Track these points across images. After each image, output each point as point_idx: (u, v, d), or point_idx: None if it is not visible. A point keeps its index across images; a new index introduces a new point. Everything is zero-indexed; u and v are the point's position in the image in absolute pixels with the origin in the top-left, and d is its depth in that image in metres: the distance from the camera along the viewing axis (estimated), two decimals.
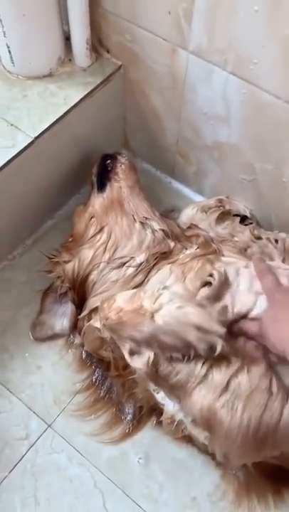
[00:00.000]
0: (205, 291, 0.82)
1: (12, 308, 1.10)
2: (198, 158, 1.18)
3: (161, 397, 0.87)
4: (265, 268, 0.86)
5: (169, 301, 0.79)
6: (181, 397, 0.80)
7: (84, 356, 1.02)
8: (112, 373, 0.94)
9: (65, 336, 1.05)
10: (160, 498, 0.92)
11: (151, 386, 0.87)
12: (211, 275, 0.83)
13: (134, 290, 0.86)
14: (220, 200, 1.15)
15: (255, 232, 1.07)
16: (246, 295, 0.82)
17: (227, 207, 1.12)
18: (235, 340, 0.80)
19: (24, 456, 0.95)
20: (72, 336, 1.05)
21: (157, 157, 1.27)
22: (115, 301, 0.83)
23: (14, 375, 1.02)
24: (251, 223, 1.12)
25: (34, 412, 0.99)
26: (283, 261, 0.96)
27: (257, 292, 0.83)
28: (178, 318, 0.77)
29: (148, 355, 0.79)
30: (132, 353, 0.80)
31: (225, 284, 0.83)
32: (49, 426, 0.97)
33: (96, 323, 0.92)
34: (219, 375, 0.77)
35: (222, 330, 0.77)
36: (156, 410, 0.94)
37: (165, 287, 0.82)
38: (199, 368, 0.77)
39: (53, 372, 1.03)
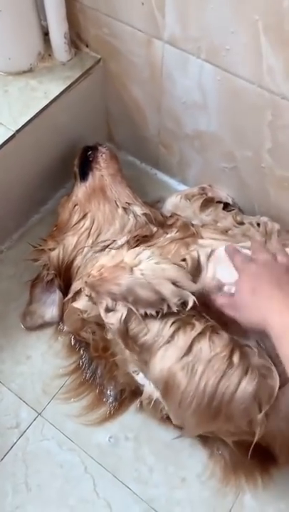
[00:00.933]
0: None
1: (1, 301, 1.11)
2: (180, 149, 1.19)
3: (140, 378, 0.88)
4: (234, 248, 0.88)
5: (148, 258, 0.83)
6: (148, 360, 0.82)
7: (73, 342, 1.04)
8: (92, 354, 0.96)
9: (54, 323, 1.07)
10: (150, 480, 0.94)
11: (131, 368, 0.89)
12: (184, 259, 0.85)
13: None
14: (203, 188, 1.17)
15: (238, 217, 1.10)
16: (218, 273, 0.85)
17: (210, 194, 1.14)
18: (203, 309, 0.82)
19: (15, 445, 0.96)
20: (61, 324, 1.06)
21: (141, 149, 1.29)
22: (98, 261, 0.87)
23: (4, 366, 1.04)
24: (234, 209, 1.14)
25: (24, 401, 1.00)
26: (264, 243, 0.98)
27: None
28: (155, 271, 0.80)
29: (122, 311, 0.81)
30: (107, 310, 0.82)
31: (197, 267, 0.86)
32: (39, 414, 0.99)
33: (77, 303, 0.94)
34: (183, 338, 0.78)
35: (195, 286, 0.80)
36: (138, 393, 0.96)
37: (147, 248, 0.86)
38: (168, 328, 0.79)
39: (42, 361, 1.04)
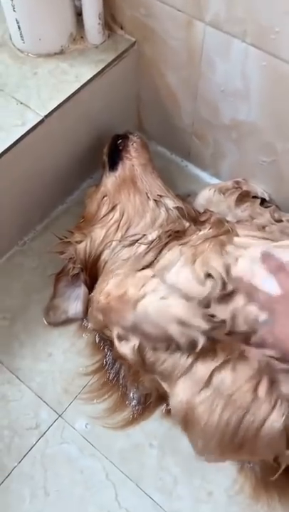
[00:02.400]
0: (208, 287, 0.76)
1: (23, 294, 1.07)
2: (215, 139, 1.13)
3: (167, 386, 0.82)
4: (276, 265, 0.77)
5: (154, 290, 0.75)
6: (169, 388, 0.77)
7: (97, 340, 0.99)
8: (116, 354, 0.90)
9: (78, 320, 1.02)
10: (174, 491, 0.88)
11: (157, 376, 0.83)
12: (209, 275, 0.76)
13: (124, 275, 0.83)
14: (237, 182, 1.11)
15: (276, 214, 1.03)
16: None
17: (244, 188, 1.07)
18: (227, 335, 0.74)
19: (34, 446, 0.92)
20: (85, 320, 1.01)
21: (172, 139, 1.23)
22: (107, 285, 0.81)
23: (24, 362, 0.99)
24: (271, 206, 1.07)
25: (44, 401, 0.95)
26: None
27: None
28: (159, 309, 0.73)
29: (134, 342, 0.75)
30: (120, 338, 0.77)
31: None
32: (60, 416, 0.94)
33: None
34: (203, 368, 0.72)
35: (205, 325, 0.72)
36: (165, 398, 0.90)
37: (154, 276, 0.78)
38: (185, 359, 0.74)
39: (64, 359, 0.99)
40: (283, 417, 0.69)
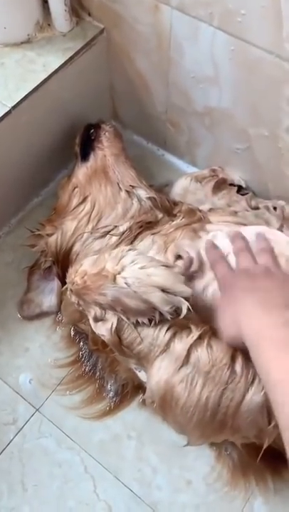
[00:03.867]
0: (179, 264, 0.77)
1: None
2: (189, 126, 1.11)
3: (142, 375, 0.82)
4: (217, 256, 0.80)
5: (132, 262, 0.74)
6: (146, 368, 0.76)
7: (72, 334, 0.98)
8: (92, 347, 0.90)
9: (53, 313, 1.01)
10: (153, 481, 0.88)
11: (132, 365, 0.83)
12: (179, 256, 0.78)
13: (100, 254, 0.81)
14: (213, 170, 1.10)
15: (252, 202, 1.03)
16: None
17: (221, 176, 1.06)
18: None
19: (11, 442, 0.91)
20: (60, 314, 1.00)
21: (148, 128, 1.21)
22: (82, 265, 0.79)
23: (1, 358, 0.98)
24: (247, 193, 1.06)
25: (21, 396, 0.95)
26: (281, 227, 0.90)
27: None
28: (140, 278, 0.72)
29: (112, 321, 0.74)
30: (96, 319, 0.76)
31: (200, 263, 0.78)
32: (37, 410, 0.94)
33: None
34: (180, 345, 0.71)
35: (188, 290, 0.71)
36: (141, 388, 0.90)
37: (130, 249, 0.77)
38: (162, 335, 0.72)
39: (40, 354, 0.99)
40: (262, 391, 0.69)
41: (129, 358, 0.78)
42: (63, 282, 0.96)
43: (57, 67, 0.98)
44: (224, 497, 0.87)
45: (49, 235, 0.96)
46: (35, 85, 0.95)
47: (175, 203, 1.00)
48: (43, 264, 0.98)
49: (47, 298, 1.02)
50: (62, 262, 0.95)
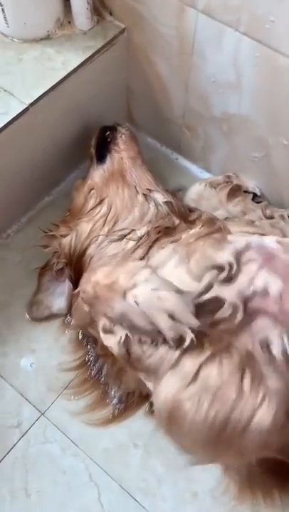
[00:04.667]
0: (212, 275, 0.75)
1: (6, 289, 1.04)
2: (206, 132, 1.10)
3: (151, 385, 0.80)
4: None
5: (146, 281, 0.72)
6: (154, 384, 0.74)
7: (80, 337, 0.96)
8: (100, 352, 0.89)
9: (62, 316, 1.00)
10: (158, 492, 0.87)
11: (142, 374, 0.81)
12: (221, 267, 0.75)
13: (115, 264, 0.80)
14: (228, 177, 1.08)
15: (268, 211, 1.02)
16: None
17: (235, 182, 1.05)
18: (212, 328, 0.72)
19: (15, 446, 0.89)
20: (69, 316, 0.98)
21: (163, 131, 1.20)
22: (95, 274, 0.77)
23: (6, 359, 0.97)
24: (262, 201, 1.05)
25: (26, 399, 0.93)
26: None
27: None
28: (151, 300, 0.70)
29: (120, 334, 0.73)
30: (105, 330, 0.75)
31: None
32: (42, 414, 0.92)
33: None
34: (190, 363, 0.70)
35: (195, 322, 0.70)
36: (148, 398, 0.88)
37: (145, 266, 0.75)
38: (172, 353, 0.71)
39: (47, 356, 0.97)
40: (273, 412, 0.67)
41: (138, 371, 0.76)
42: (75, 285, 0.95)
43: (76, 65, 0.96)
44: (231, 511, 0.85)
45: (63, 236, 0.95)
46: (54, 83, 0.94)
47: (190, 209, 0.99)
48: (55, 265, 0.96)
49: (57, 300, 1.00)
50: (75, 264, 0.93)
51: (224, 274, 0.73)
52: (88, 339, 0.96)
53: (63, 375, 0.95)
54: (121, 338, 0.73)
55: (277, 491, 0.86)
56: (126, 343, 0.73)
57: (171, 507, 0.86)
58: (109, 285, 0.74)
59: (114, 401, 0.91)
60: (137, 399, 0.91)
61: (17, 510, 0.85)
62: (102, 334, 0.75)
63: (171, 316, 0.69)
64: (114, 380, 0.91)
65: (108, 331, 0.74)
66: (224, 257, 0.75)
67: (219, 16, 0.84)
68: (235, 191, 1.06)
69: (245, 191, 1.08)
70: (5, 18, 0.94)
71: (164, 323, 0.69)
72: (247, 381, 0.69)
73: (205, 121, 1.07)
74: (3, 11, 0.93)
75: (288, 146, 0.95)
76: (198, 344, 0.71)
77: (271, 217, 1.00)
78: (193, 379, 0.69)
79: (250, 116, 0.97)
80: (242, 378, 0.69)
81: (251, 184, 1.09)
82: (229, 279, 0.73)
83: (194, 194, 1.05)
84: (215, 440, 0.70)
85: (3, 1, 0.91)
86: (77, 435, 0.90)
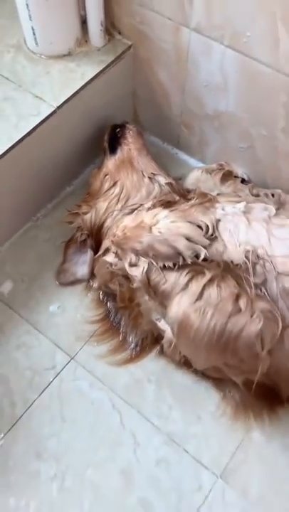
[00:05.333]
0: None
1: (38, 262, 1.24)
2: (200, 128, 1.31)
3: (162, 324, 1.01)
4: None
5: (165, 217, 0.95)
6: (167, 305, 0.94)
7: (101, 297, 1.17)
8: (119, 304, 1.09)
9: (85, 281, 1.20)
10: (170, 416, 1.06)
11: (154, 316, 1.01)
12: (198, 226, 0.97)
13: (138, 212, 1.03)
14: (221, 165, 1.29)
15: (254, 190, 1.22)
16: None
17: (227, 168, 1.26)
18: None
19: (51, 384, 1.09)
20: (91, 281, 1.19)
21: (164, 129, 1.41)
22: (122, 222, 1.00)
23: (41, 316, 1.17)
24: (250, 183, 1.26)
25: (59, 347, 1.13)
26: (277, 210, 1.09)
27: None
28: (171, 229, 0.93)
29: (143, 265, 0.94)
30: (131, 264, 0.96)
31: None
32: (72, 358, 1.12)
33: (108, 257, 1.06)
34: (196, 285, 0.91)
35: (206, 241, 0.93)
36: (159, 341, 1.08)
37: (163, 209, 0.99)
38: (183, 277, 0.92)
39: (74, 313, 1.17)
40: (259, 324, 0.87)
41: (153, 298, 0.96)
42: (95, 252, 1.16)
43: (92, 76, 1.18)
44: (228, 429, 1.04)
45: (85, 213, 1.16)
46: (75, 90, 1.16)
47: (188, 191, 1.20)
48: (79, 237, 1.17)
49: (80, 268, 1.21)
50: (95, 235, 1.14)
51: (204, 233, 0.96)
52: (108, 298, 1.17)
53: (88, 327, 1.15)
54: (144, 268, 0.94)
55: (266, 412, 1.05)
56: (148, 272, 0.94)
57: (180, 427, 1.05)
58: (136, 226, 0.96)
59: (132, 345, 1.11)
60: (149, 343, 1.11)
61: (56, 431, 1.04)
62: (128, 268, 0.96)
63: (188, 239, 0.92)
64: (132, 329, 1.11)
65: (134, 265, 0.95)
66: (205, 220, 0.97)
67: (207, 32, 1.06)
68: (227, 176, 1.26)
69: (236, 176, 1.28)
70: (35, 39, 1.17)
71: (182, 245, 0.92)
72: (243, 301, 0.89)
73: (200, 119, 1.29)
74: (34, 33, 1.15)
75: (267, 137, 1.16)
76: (200, 272, 0.91)
77: (257, 195, 1.21)
78: (198, 297, 0.89)
79: (236, 113, 1.18)
80: (238, 298, 0.89)
81: (240, 170, 1.30)
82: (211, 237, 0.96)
83: (193, 178, 1.26)
84: (215, 344, 0.89)
85: (35, 26, 1.13)
86: (101, 374, 1.10)
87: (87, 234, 1.16)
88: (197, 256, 0.93)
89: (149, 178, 1.15)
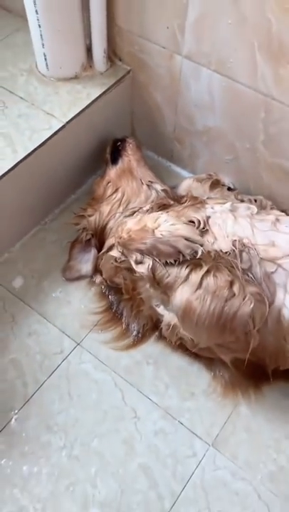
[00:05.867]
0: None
1: (46, 261, 1.38)
2: (191, 143, 1.48)
3: (161, 309, 1.15)
4: None
5: (165, 221, 1.10)
6: (171, 296, 1.07)
7: (104, 290, 1.30)
8: (124, 297, 1.22)
9: (88, 277, 1.34)
10: (166, 393, 1.19)
11: (154, 302, 1.15)
12: (192, 221, 1.11)
13: (140, 216, 1.17)
14: (209, 174, 1.46)
15: (239, 196, 1.38)
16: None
17: (215, 177, 1.42)
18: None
19: (59, 366, 1.22)
20: (94, 277, 1.33)
21: (158, 144, 1.57)
22: (126, 225, 1.13)
23: (49, 307, 1.30)
24: (235, 190, 1.42)
25: (66, 334, 1.26)
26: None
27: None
28: (171, 231, 1.07)
29: (148, 263, 1.08)
30: (137, 262, 1.09)
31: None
32: (78, 344, 1.25)
33: (112, 252, 1.20)
34: (195, 276, 1.04)
35: (202, 240, 1.07)
36: (157, 328, 1.22)
37: (163, 213, 1.13)
38: (183, 270, 1.05)
39: (79, 304, 1.31)
40: (251, 305, 1.00)
41: (158, 290, 1.10)
42: (99, 251, 1.30)
43: (96, 96, 1.35)
44: (218, 404, 1.17)
45: (90, 216, 1.31)
46: (81, 108, 1.32)
47: (182, 196, 1.35)
48: (84, 237, 1.32)
49: (84, 266, 1.35)
50: (99, 235, 1.29)
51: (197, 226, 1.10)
52: (110, 291, 1.30)
53: (92, 317, 1.28)
54: (149, 265, 1.07)
55: (252, 389, 1.18)
56: (153, 268, 1.07)
57: (176, 403, 1.18)
58: (140, 229, 1.10)
59: (134, 333, 1.24)
60: (149, 329, 1.24)
61: (65, 407, 1.16)
62: (134, 265, 1.09)
63: (186, 239, 1.06)
64: (134, 318, 1.24)
65: (139, 262, 1.09)
66: (197, 216, 1.12)
67: (196, 59, 1.24)
68: (215, 184, 1.42)
69: (223, 184, 1.44)
70: (46, 64, 1.34)
71: (182, 245, 1.05)
72: (236, 287, 1.02)
73: (191, 135, 1.45)
74: (45, 59, 1.32)
75: (250, 149, 1.33)
76: (198, 265, 1.05)
77: (242, 201, 1.37)
78: (198, 286, 1.03)
79: (222, 128, 1.35)
80: (232, 284, 1.03)
81: (227, 179, 1.46)
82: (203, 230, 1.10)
83: (185, 186, 1.42)
84: (215, 325, 1.03)
85: (47, 52, 1.30)
86: (104, 357, 1.23)
87: (91, 234, 1.30)
88: (195, 254, 1.06)
89: (147, 185, 1.30)
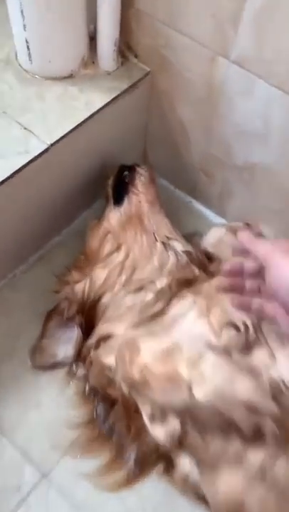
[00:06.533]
0: (229, 335, 0.70)
1: (11, 334, 0.97)
2: (224, 179, 1.07)
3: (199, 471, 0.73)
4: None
5: (213, 367, 0.65)
6: (204, 469, 0.67)
7: (87, 391, 0.89)
8: (119, 414, 0.81)
9: (67, 365, 0.93)
10: None
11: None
12: (236, 326, 0.70)
13: (166, 344, 0.72)
14: (248, 224, 1.05)
15: None
16: None
17: (255, 230, 1.02)
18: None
19: None
20: (75, 366, 0.92)
21: (178, 174, 1.17)
22: (139, 354, 0.70)
23: (7, 412, 0.89)
24: None
25: (28, 459, 0.85)
26: None
27: None
28: (224, 394, 0.63)
29: (174, 424, 0.65)
30: (153, 418, 0.67)
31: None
32: (45, 476, 0.84)
33: (106, 359, 0.80)
34: (255, 456, 0.63)
35: (276, 409, 0.63)
36: (165, 457, 0.81)
37: (206, 345, 0.68)
38: (236, 445, 0.63)
39: (52, 410, 0.90)
40: None
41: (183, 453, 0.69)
42: (85, 334, 0.89)
43: (100, 106, 0.93)
44: None
45: (76, 282, 0.90)
46: (76, 124, 0.91)
47: (208, 257, 0.95)
48: (65, 312, 0.90)
49: (63, 348, 0.93)
50: (88, 312, 0.88)
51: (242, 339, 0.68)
52: (96, 394, 0.90)
53: (69, 432, 0.88)
54: (175, 429, 0.65)
55: None
56: (181, 435, 0.65)
57: None
58: (167, 377, 0.66)
59: (130, 463, 0.83)
60: (153, 460, 0.83)
61: None
62: (148, 422, 0.68)
63: (249, 408, 0.62)
64: (132, 442, 0.83)
65: (157, 420, 0.66)
66: (241, 315, 0.70)
67: (252, 67, 0.83)
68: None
69: None
70: (29, 54, 0.92)
71: (240, 416, 0.62)
72: None
73: (225, 168, 1.05)
74: (28, 47, 0.90)
75: None
76: (258, 436, 0.64)
77: None
78: (259, 477, 0.62)
79: (275, 167, 0.95)
80: None
81: (272, 233, 1.06)
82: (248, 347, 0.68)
83: (213, 238, 1.01)
84: None
85: (30, 37, 0.88)
86: (82, 500, 0.83)
87: (76, 309, 0.89)
88: (258, 431, 0.63)
89: (163, 243, 0.90)
